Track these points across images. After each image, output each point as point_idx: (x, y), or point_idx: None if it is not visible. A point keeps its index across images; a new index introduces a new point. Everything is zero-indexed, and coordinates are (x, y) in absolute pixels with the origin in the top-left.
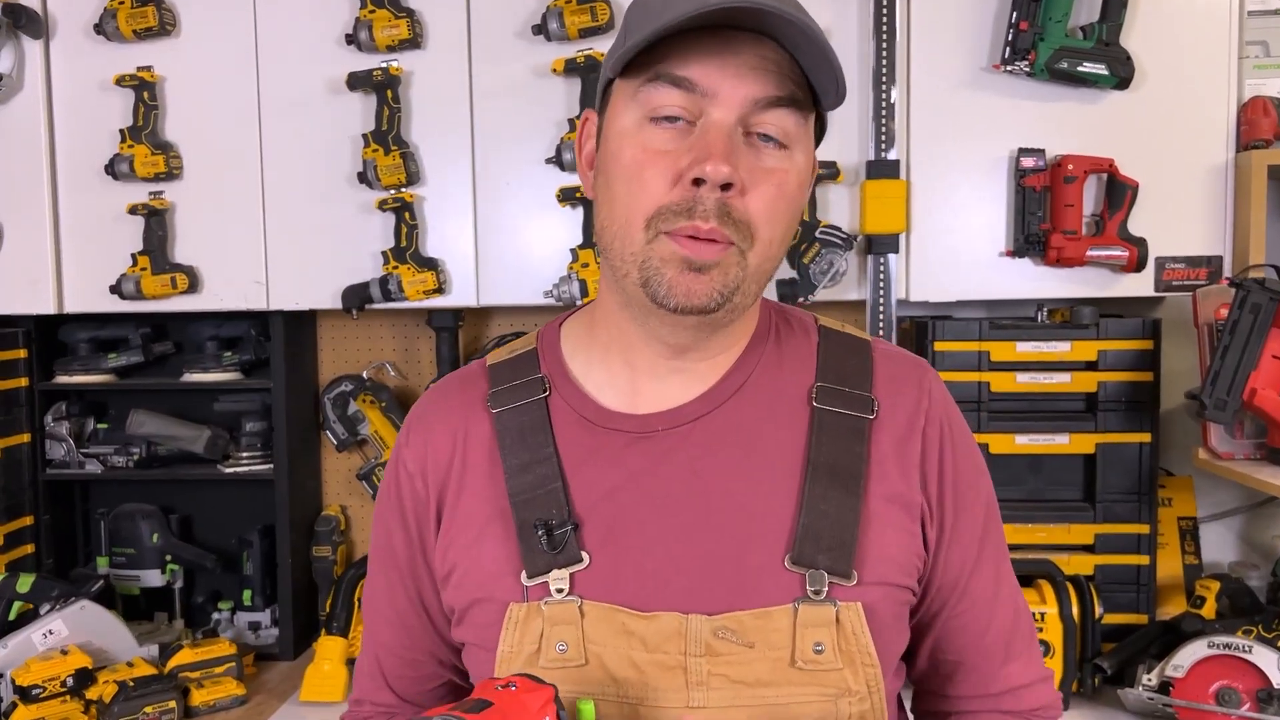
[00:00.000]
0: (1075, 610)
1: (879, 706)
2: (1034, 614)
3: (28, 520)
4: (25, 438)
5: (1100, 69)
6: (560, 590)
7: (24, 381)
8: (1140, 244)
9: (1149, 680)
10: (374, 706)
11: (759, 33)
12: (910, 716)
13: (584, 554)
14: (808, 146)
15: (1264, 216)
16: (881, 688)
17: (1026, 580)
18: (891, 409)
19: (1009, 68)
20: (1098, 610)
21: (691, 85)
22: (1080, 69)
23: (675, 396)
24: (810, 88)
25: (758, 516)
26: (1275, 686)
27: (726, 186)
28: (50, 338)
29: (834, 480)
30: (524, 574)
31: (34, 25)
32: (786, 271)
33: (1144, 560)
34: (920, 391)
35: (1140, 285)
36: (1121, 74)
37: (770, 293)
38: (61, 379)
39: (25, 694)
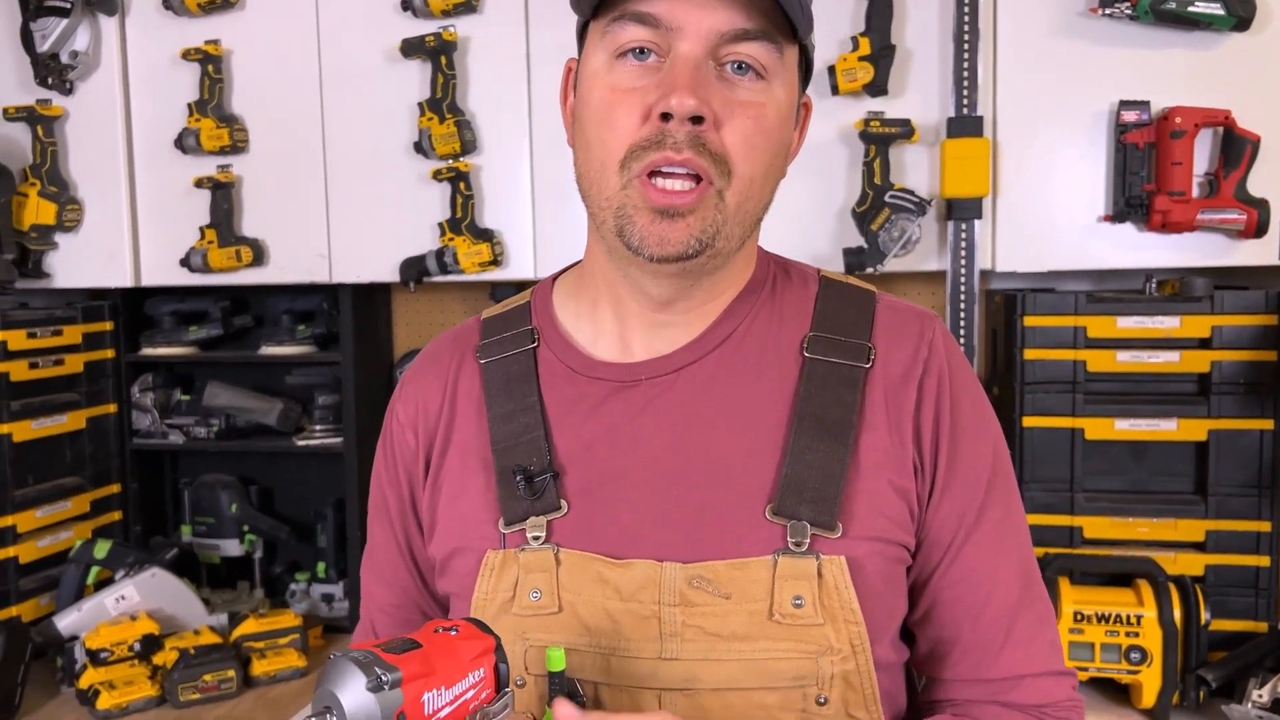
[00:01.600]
0: (1177, 614)
1: (865, 669)
2: (1129, 616)
3: (115, 488)
4: (112, 408)
5: (1215, 8)
6: (537, 538)
7: (111, 353)
8: (1261, 206)
9: (1260, 696)
10: None
11: None
12: None
13: (563, 502)
14: (789, 80)
15: None
16: (867, 649)
17: (1124, 579)
18: (888, 358)
19: (1108, 10)
20: (1204, 615)
21: (656, 21)
22: (1191, 9)
23: (663, 349)
24: (788, 19)
25: (740, 467)
26: None
27: (698, 120)
28: (136, 311)
29: (821, 431)
30: (501, 521)
31: (108, 2)
32: (855, 239)
33: (1264, 561)
34: (921, 341)
35: (1263, 253)
36: (1240, 13)
37: (836, 262)
38: (146, 351)
39: (95, 657)
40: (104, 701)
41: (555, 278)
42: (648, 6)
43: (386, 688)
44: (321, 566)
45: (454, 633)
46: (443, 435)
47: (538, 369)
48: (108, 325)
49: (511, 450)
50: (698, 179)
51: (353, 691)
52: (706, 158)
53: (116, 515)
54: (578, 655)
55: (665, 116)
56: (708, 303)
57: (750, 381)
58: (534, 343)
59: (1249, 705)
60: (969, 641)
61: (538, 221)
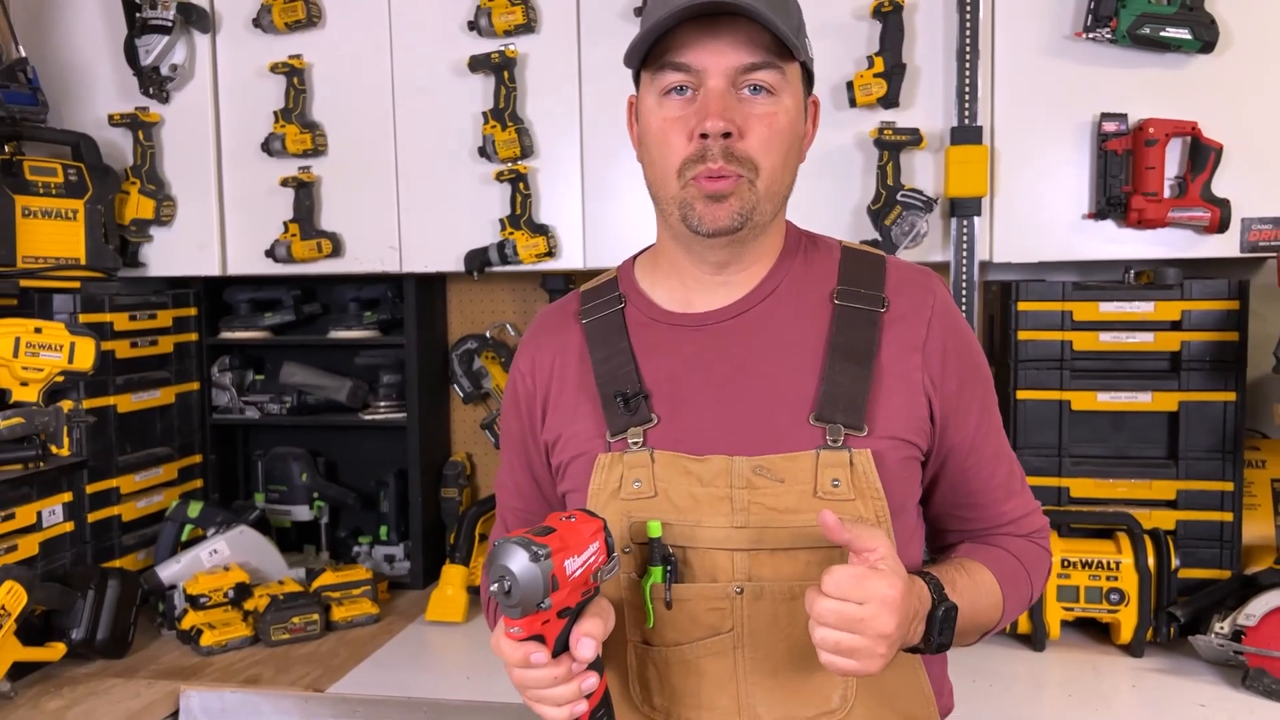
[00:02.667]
0: (1151, 561)
1: (886, 534)
2: (1110, 563)
3: (197, 458)
4: (195, 386)
5: (1183, 33)
6: (636, 443)
7: (194, 336)
8: (1223, 205)
9: (1222, 629)
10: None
11: (731, 14)
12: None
13: (654, 415)
14: (794, 90)
15: None
16: (888, 519)
17: (1105, 532)
18: (900, 305)
19: (1091, 35)
20: (1174, 562)
21: (688, 67)
22: (1163, 34)
23: (720, 301)
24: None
25: (788, 387)
26: None
27: (727, 135)
28: (216, 298)
29: (849, 358)
30: (608, 433)
31: (203, 21)
32: (870, 233)
33: (1228, 517)
34: (926, 292)
35: (1225, 246)
36: (1205, 38)
37: None
38: (225, 335)
39: (195, 602)
40: (206, 639)
41: (634, 259)
42: (680, 57)
43: (542, 559)
44: (384, 530)
45: (572, 519)
46: (557, 380)
47: (626, 323)
48: (192, 310)
49: (611, 381)
50: (730, 176)
51: (519, 563)
52: (735, 163)
53: (198, 483)
54: (670, 529)
55: (704, 135)
56: (753, 265)
57: (791, 323)
58: (622, 304)
59: (1212, 636)
60: (984, 501)
61: (587, 217)
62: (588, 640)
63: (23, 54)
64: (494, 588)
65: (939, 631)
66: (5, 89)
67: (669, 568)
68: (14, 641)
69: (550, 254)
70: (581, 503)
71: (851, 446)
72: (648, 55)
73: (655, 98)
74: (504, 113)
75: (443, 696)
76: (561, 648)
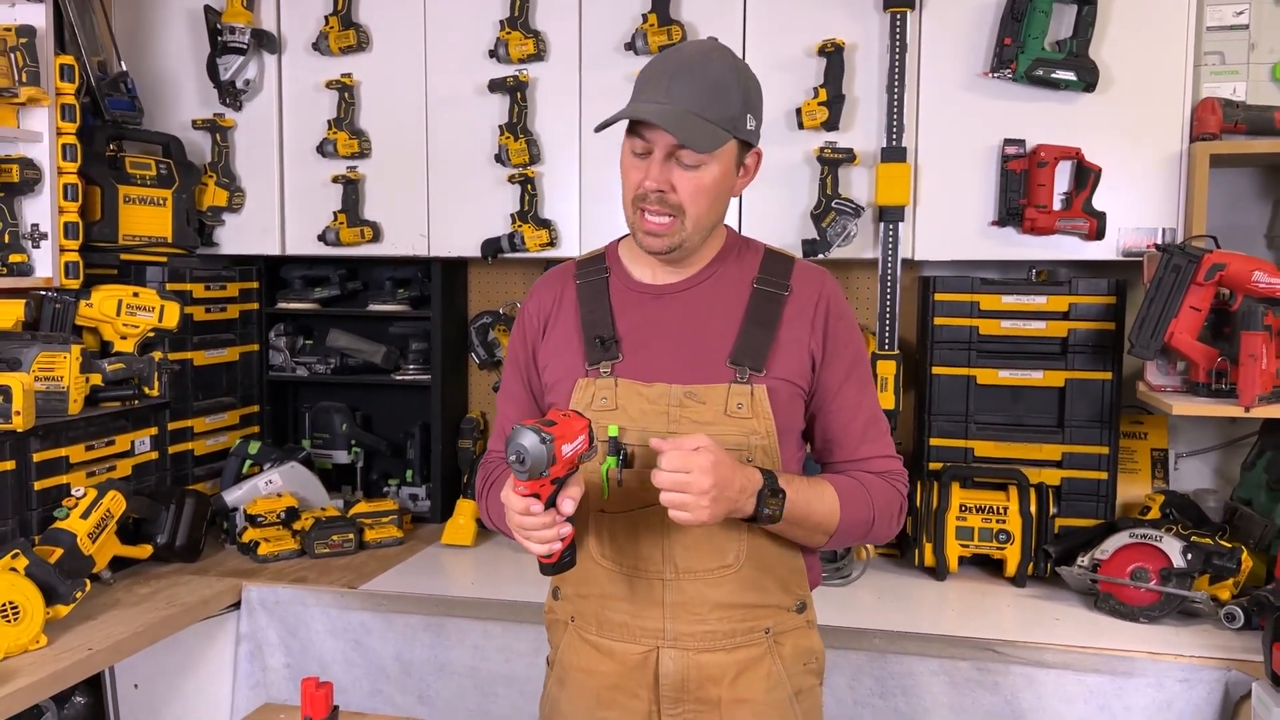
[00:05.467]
0: (1033, 508)
1: (773, 447)
2: (1000, 508)
3: (255, 408)
4: (255, 347)
5: (1070, 76)
6: (605, 372)
7: (256, 305)
8: (1100, 216)
9: (1083, 562)
10: (497, 454)
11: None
12: None
13: (620, 354)
14: (722, 157)
15: (1205, 195)
16: (774, 435)
17: (1000, 486)
18: (799, 291)
19: (996, 75)
20: (1052, 509)
21: (642, 137)
22: (1054, 75)
23: (675, 279)
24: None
25: (715, 340)
26: (1175, 566)
27: (662, 190)
28: (274, 274)
29: (759, 324)
30: (586, 363)
31: (271, 44)
32: (811, 233)
33: (1103, 476)
34: (817, 284)
35: (1104, 250)
36: (1088, 79)
37: (795, 250)
38: (281, 305)
39: (253, 520)
40: (263, 550)
41: (618, 242)
42: (640, 132)
43: (548, 441)
44: (409, 473)
45: (568, 416)
46: (553, 320)
47: (609, 288)
48: (255, 284)
49: (593, 327)
50: (666, 216)
51: (531, 441)
52: (668, 207)
53: (255, 429)
54: (624, 432)
55: (646, 191)
56: (695, 264)
57: (721, 297)
58: (607, 273)
59: (1076, 569)
60: (842, 440)
61: (583, 214)
62: (569, 500)
63: (124, 68)
64: (511, 458)
65: (764, 505)
66: (109, 97)
67: (621, 457)
68: (114, 539)
69: (552, 244)
70: None
71: (753, 383)
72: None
73: (628, 152)
74: (516, 126)
75: (451, 594)
76: (549, 505)
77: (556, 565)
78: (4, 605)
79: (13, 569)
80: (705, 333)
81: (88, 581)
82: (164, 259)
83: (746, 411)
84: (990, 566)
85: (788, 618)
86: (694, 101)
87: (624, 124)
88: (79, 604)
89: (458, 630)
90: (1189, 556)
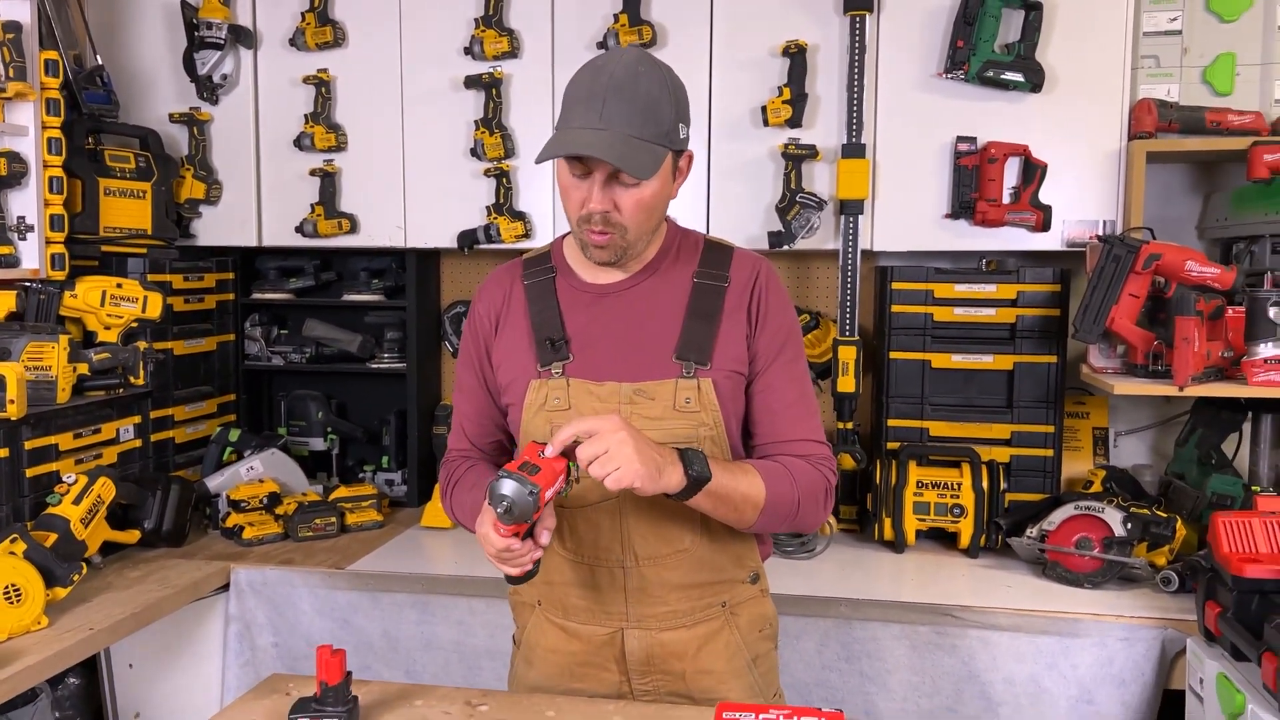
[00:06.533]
0: (985, 484)
1: (721, 437)
2: (954, 484)
3: (231, 397)
4: (231, 337)
5: (1018, 77)
6: (557, 373)
7: (231, 296)
8: (1046, 210)
9: (1032, 533)
10: (458, 452)
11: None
12: None
13: (570, 354)
14: (662, 173)
15: (1142, 189)
16: (723, 426)
17: (953, 463)
18: (736, 280)
19: (949, 75)
20: (1003, 484)
21: (580, 160)
22: (1003, 77)
23: (618, 278)
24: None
25: (659, 336)
26: (1116, 535)
27: (606, 210)
28: (249, 265)
29: (700, 318)
30: (538, 365)
31: (248, 39)
32: (776, 225)
33: (1049, 453)
34: (754, 272)
35: (1050, 241)
36: (1035, 81)
37: (761, 242)
38: (256, 296)
39: (236, 505)
40: (248, 534)
41: (562, 239)
42: (581, 154)
43: (534, 492)
44: (385, 459)
45: (547, 458)
46: (503, 320)
47: (555, 287)
48: (230, 275)
49: (543, 328)
50: (605, 233)
51: (519, 494)
52: (611, 226)
53: (232, 417)
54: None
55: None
56: (638, 263)
57: (663, 294)
58: (553, 274)
59: (1025, 539)
60: (769, 421)
61: (556, 207)
62: (546, 532)
63: (99, 61)
64: (500, 511)
65: (689, 464)
66: (86, 90)
67: (573, 467)
68: (104, 525)
69: (527, 235)
70: (518, 409)
71: (699, 376)
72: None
73: (565, 172)
74: (492, 122)
75: (434, 573)
76: (526, 536)
77: (525, 577)
78: (6, 587)
79: (11, 553)
80: (650, 330)
81: (84, 565)
82: (144, 250)
83: (694, 405)
84: (945, 539)
85: (742, 589)
86: (629, 124)
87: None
88: (75, 587)
89: (443, 607)
90: (1129, 526)
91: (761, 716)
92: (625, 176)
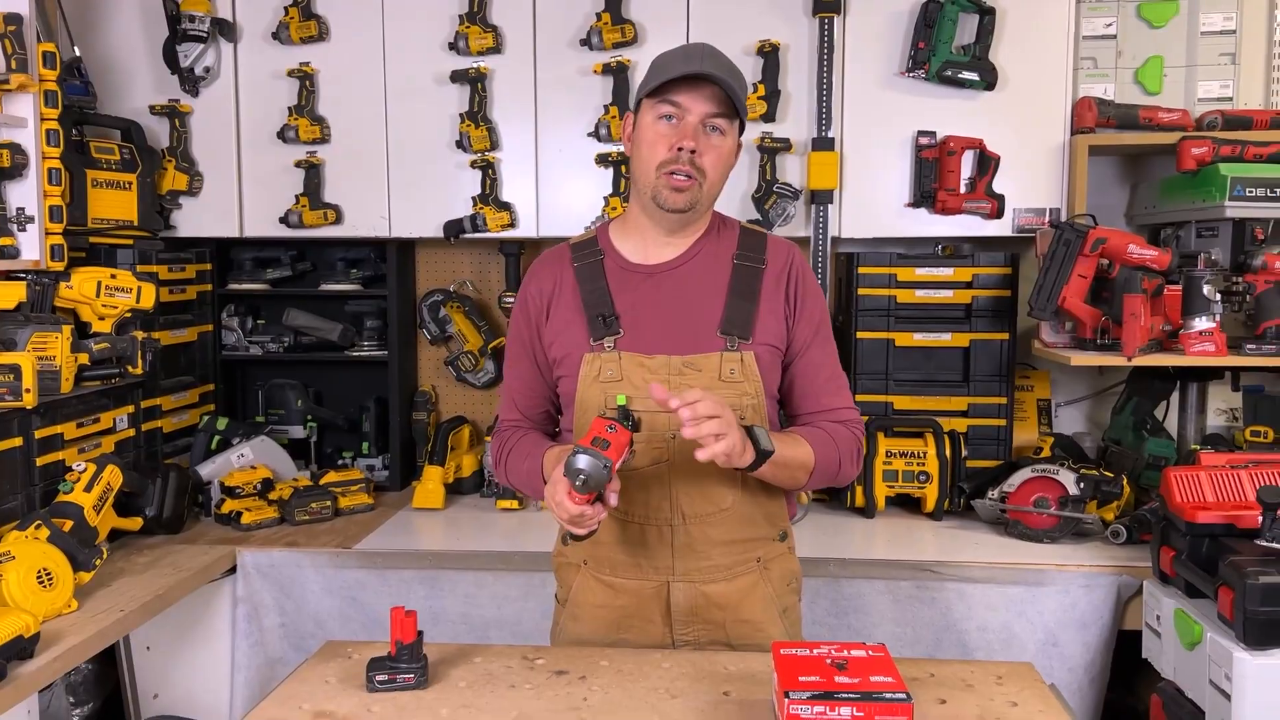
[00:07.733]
0: (948, 452)
1: (761, 406)
2: (919, 453)
3: (210, 387)
4: (209, 327)
5: (974, 76)
6: (609, 347)
7: (209, 286)
8: (1000, 198)
9: (993, 495)
10: (509, 422)
11: (709, 80)
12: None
13: (621, 329)
14: (734, 134)
15: (1085, 180)
16: (763, 396)
17: (918, 434)
18: (772, 264)
19: (911, 74)
20: (964, 452)
21: (677, 104)
22: (960, 76)
23: (665, 257)
24: (735, 106)
25: (705, 313)
26: (1070, 494)
27: (694, 151)
28: (225, 256)
29: (742, 296)
30: (590, 339)
31: (230, 32)
32: (754, 214)
33: (1002, 423)
34: (789, 257)
35: (1002, 228)
36: (988, 80)
37: None
38: (232, 286)
39: (230, 492)
40: (246, 518)
41: (607, 225)
42: (674, 97)
43: (607, 465)
44: (365, 445)
45: (614, 430)
46: (554, 301)
47: (604, 268)
48: (207, 266)
49: (593, 305)
50: (689, 176)
51: (594, 468)
52: (695, 169)
53: (211, 407)
54: (631, 400)
55: (680, 150)
56: (690, 237)
57: (708, 274)
58: (601, 255)
59: (986, 501)
60: (808, 391)
61: (540, 197)
62: (614, 495)
63: (77, 53)
64: (577, 483)
65: (757, 439)
66: (65, 82)
67: (631, 423)
68: (112, 512)
69: (512, 225)
70: (571, 381)
71: (742, 350)
72: (651, 92)
73: (652, 117)
74: (477, 115)
75: (439, 549)
76: (595, 499)
77: (588, 535)
78: (40, 571)
79: (37, 538)
80: (695, 306)
81: (104, 549)
82: (130, 242)
83: (738, 376)
84: (911, 505)
85: (774, 546)
86: (726, 75)
87: (632, 98)
88: (97, 571)
89: (450, 581)
90: (1082, 485)
91: (815, 650)
92: (717, 122)
